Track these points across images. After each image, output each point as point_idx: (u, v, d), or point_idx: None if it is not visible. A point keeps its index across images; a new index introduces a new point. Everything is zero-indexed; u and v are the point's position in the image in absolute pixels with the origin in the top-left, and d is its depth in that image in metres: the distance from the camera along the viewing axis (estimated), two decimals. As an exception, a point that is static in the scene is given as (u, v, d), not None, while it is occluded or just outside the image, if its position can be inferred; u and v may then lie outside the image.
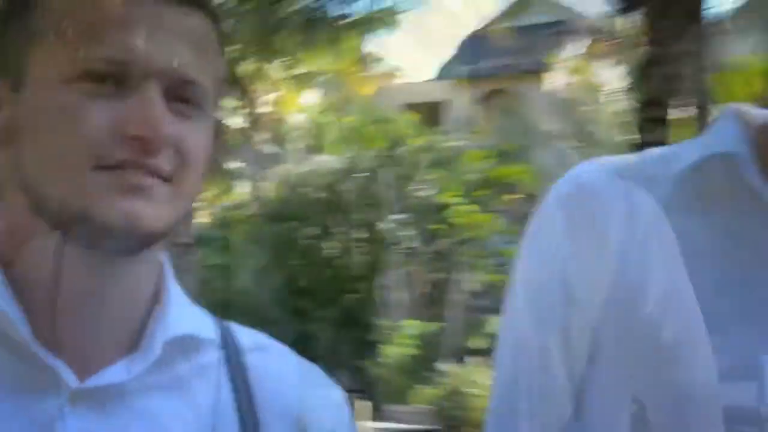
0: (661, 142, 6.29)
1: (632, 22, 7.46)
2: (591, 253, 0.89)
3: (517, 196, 12.33)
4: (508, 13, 11.78)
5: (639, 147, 6.04)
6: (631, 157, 0.97)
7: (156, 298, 0.77)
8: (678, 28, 6.64)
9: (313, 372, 0.85)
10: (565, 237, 0.90)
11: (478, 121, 18.79)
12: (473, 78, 20.92)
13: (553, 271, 0.91)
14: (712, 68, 7.57)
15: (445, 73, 22.77)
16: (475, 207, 12.14)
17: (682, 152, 0.91)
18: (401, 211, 12.17)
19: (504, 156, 13.09)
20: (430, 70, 25.33)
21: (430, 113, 18.73)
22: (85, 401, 0.71)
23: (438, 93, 21.70)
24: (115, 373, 0.72)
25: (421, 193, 12.46)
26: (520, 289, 0.95)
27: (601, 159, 0.97)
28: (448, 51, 24.43)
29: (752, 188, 0.86)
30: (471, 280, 12.23)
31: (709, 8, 7.51)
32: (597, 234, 0.89)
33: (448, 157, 12.88)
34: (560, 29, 18.59)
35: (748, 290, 0.86)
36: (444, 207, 12.23)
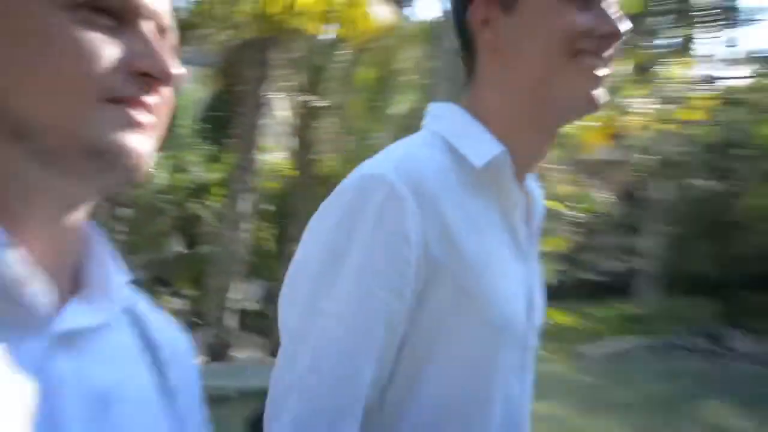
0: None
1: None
2: (436, 231, 1.00)
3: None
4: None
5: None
6: (430, 152, 1.06)
7: (83, 239, 0.70)
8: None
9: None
10: (414, 220, 0.97)
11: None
12: None
13: (401, 254, 0.97)
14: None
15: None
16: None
17: (467, 150, 1.06)
18: None
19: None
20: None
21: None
22: (65, 343, 0.64)
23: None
24: (80, 314, 0.66)
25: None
26: (350, 272, 0.97)
27: (410, 153, 1.04)
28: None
29: (509, 179, 1.09)
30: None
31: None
32: (439, 216, 1.00)
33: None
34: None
35: (514, 246, 1.11)
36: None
